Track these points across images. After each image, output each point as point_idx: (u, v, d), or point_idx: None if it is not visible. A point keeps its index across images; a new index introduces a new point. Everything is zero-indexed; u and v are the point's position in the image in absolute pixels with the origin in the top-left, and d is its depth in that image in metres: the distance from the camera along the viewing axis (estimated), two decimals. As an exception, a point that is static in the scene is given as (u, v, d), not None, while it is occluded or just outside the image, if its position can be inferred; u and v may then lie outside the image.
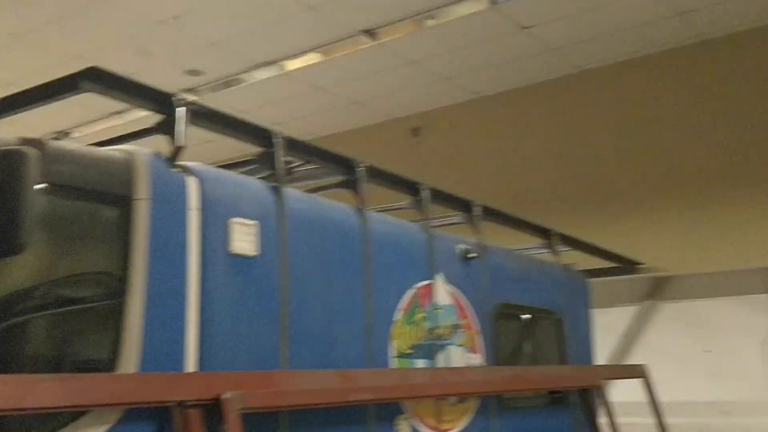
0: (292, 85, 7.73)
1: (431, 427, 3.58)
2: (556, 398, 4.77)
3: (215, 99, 7.94)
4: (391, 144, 8.56)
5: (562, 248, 5.15)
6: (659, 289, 7.10)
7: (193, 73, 7.48)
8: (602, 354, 6.00)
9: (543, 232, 5.09)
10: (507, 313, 4.46)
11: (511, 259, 4.72)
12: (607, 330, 6.22)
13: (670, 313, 6.98)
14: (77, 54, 6.87)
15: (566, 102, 7.50)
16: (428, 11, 6.27)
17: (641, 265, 6.52)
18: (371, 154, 8.10)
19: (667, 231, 6.77)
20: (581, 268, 5.62)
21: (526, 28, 6.50)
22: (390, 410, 3.36)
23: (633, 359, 6.82)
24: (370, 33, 6.65)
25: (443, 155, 8.16)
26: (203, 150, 4.20)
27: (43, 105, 2.59)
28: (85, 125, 8.63)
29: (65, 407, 2.18)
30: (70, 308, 2.39)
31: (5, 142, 2.11)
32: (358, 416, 3.19)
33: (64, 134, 8.99)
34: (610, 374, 5.02)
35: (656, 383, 5.09)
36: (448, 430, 3.70)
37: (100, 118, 8.44)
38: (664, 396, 5.10)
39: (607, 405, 4.93)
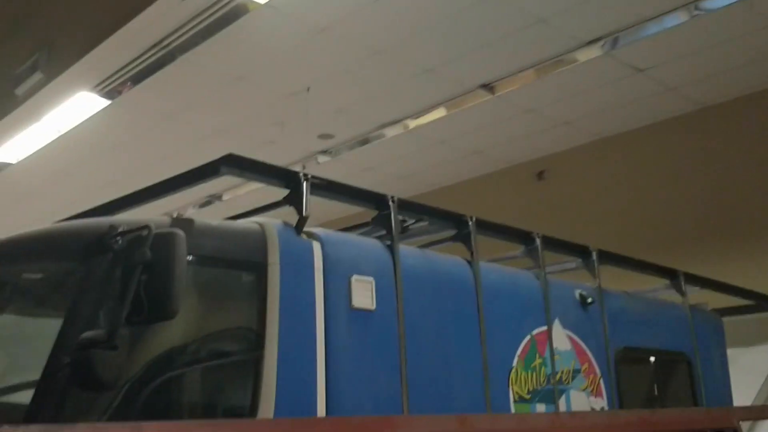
0: (416, 140, 8.11)
1: (554, 469, 3.68)
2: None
3: (348, 158, 8.47)
4: (516, 188, 8.71)
5: (690, 288, 5.10)
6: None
7: (325, 137, 8.03)
8: (744, 396, 5.79)
9: (668, 273, 5.06)
10: (631, 356, 4.47)
11: (633, 302, 4.74)
12: (747, 371, 6.00)
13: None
14: (223, 128, 7.61)
15: (690, 138, 7.39)
16: (542, 62, 6.47)
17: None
18: (496, 199, 8.38)
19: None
20: (714, 307, 5.51)
21: (642, 70, 6.54)
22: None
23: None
24: (487, 87, 6.92)
25: (568, 197, 8.21)
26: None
27: (190, 188, 3.04)
28: (232, 189, 9.42)
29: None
30: (214, 362, 2.78)
31: (159, 224, 2.54)
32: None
33: (216, 197, 9.85)
34: (747, 415, 4.86)
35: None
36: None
37: (246, 182, 9.18)
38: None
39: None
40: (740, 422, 4.76)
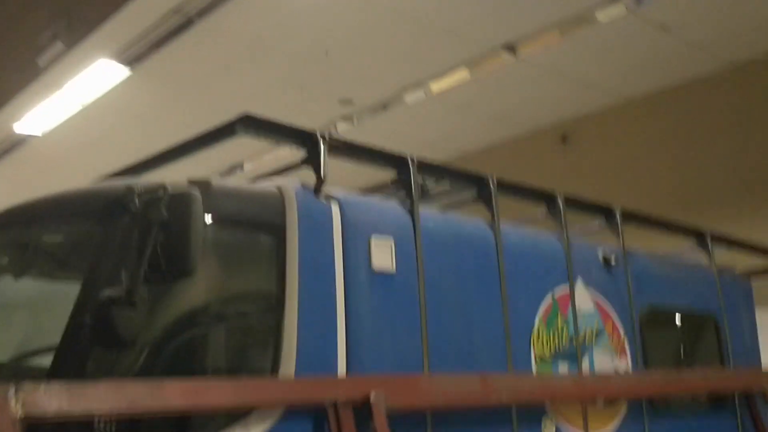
0: (439, 106, 8.04)
1: (578, 428, 3.67)
2: (717, 403, 4.65)
3: (369, 125, 8.43)
4: (540, 154, 8.62)
5: (718, 250, 5.02)
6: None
7: (346, 101, 7.99)
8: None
9: (694, 233, 4.99)
10: (656, 317, 4.43)
11: (658, 262, 4.68)
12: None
13: None
14: (243, 95, 7.60)
15: (717, 99, 7.24)
16: (566, 21, 6.34)
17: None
18: (520, 165, 8.30)
19: None
20: (743, 269, 5.43)
21: (668, 28, 6.39)
22: (534, 413, 3.51)
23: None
24: (510, 48, 6.82)
25: (593, 161, 8.12)
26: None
27: (207, 149, 3.04)
28: (254, 157, 9.43)
29: (235, 406, 2.56)
30: (235, 322, 2.80)
31: (177, 185, 2.55)
32: (501, 419, 3.36)
33: (238, 166, 9.88)
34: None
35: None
36: (593, 430, 3.76)
37: (269, 150, 9.17)
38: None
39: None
40: (758, 383, 4.71)
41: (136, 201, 2.48)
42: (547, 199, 4.03)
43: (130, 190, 2.52)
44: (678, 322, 4.70)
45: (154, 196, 2.44)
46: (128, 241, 2.44)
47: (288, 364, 2.72)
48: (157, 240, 2.33)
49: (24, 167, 9.79)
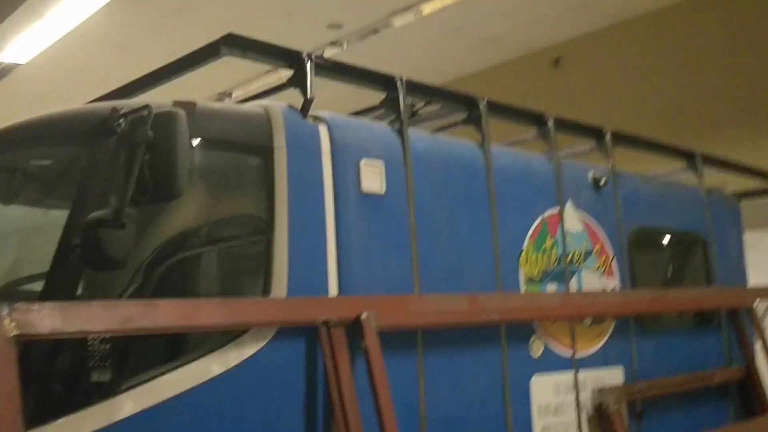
0: (429, 29, 7.89)
1: (566, 346, 3.76)
2: (704, 322, 4.75)
3: (358, 50, 8.29)
4: (532, 77, 8.53)
5: (708, 171, 5.03)
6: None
7: (335, 26, 7.83)
8: (762, 278, 5.76)
9: (684, 154, 4.99)
10: (644, 237, 4.47)
11: (647, 183, 4.69)
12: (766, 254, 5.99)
13: None
14: (231, 21, 7.43)
15: (710, 20, 7.13)
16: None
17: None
18: (512, 89, 8.22)
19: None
20: (733, 191, 5.45)
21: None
22: (523, 331, 3.57)
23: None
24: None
25: (585, 84, 8.04)
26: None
27: (192, 71, 2.98)
28: (243, 85, 9.31)
29: (228, 326, 2.60)
30: (225, 243, 2.81)
31: (162, 105, 2.51)
32: (490, 339, 3.43)
33: (226, 94, 9.76)
34: (763, 295, 4.88)
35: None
36: (583, 350, 3.85)
37: (257, 77, 9.05)
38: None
39: (760, 328, 4.85)
40: (756, 303, 4.80)
41: (121, 121, 2.46)
42: (537, 120, 4.01)
43: (114, 111, 2.49)
44: (666, 242, 4.74)
45: (139, 115, 2.41)
46: (114, 163, 2.43)
47: (279, 286, 2.75)
48: (144, 161, 2.32)
49: (9, 97, 9.66)
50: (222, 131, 2.82)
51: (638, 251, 4.36)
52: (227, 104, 3.04)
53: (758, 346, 4.78)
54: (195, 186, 2.64)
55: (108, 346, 2.38)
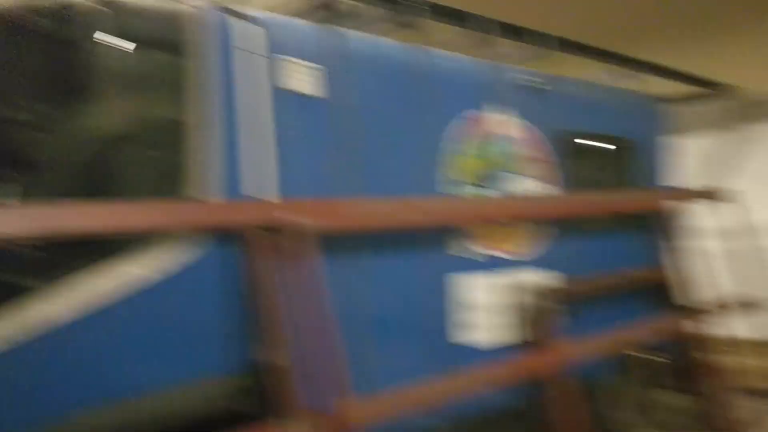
0: None
1: (497, 249, 3.91)
2: (631, 223, 4.92)
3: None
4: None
5: (634, 74, 5.06)
6: (755, 112, 6.88)
7: None
8: (695, 181, 5.92)
9: (617, 59, 5.00)
10: (575, 141, 4.56)
11: (579, 88, 4.73)
12: (700, 156, 6.16)
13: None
14: None
15: None
16: None
17: (727, 88, 6.25)
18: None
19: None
20: (662, 95, 5.54)
21: None
22: (453, 234, 3.70)
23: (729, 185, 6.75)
24: None
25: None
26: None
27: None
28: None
29: (160, 229, 2.60)
30: (154, 146, 2.75)
31: (83, 2, 2.39)
32: (423, 241, 3.54)
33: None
34: (681, 196, 5.08)
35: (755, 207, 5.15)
36: (513, 251, 4.01)
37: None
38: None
39: (682, 229, 5.08)
40: (672, 206, 5.01)
41: (39, 18, 2.34)
42: (476, 23, 3.97)
43: (32, 7, 2.38)
44: (591, 144, 4.83)
45: (57, 11, 2.30)
46: (32, 59, 2.33)
47: (213, 189, 2.75)
48: (63, 58, 2.22)
49: None
50: (148, 29, 2.72)
51: (567, 154, 4.45)
52: (153, 2, 2.91)
53: (669, 247, 5.04)
54: (119, 84, 2.56)
55: (29, 251, 2.35)
